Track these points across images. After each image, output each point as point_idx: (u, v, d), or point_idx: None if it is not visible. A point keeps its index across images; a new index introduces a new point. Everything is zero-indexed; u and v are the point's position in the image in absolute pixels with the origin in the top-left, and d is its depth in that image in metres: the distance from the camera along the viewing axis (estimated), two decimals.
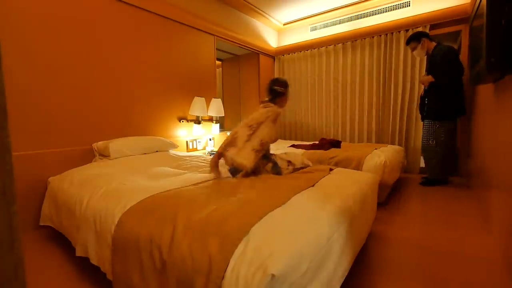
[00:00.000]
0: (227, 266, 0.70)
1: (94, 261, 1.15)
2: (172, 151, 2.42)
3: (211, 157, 1.56)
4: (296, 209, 0.95)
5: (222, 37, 3.33)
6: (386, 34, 3.45)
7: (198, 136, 3.02)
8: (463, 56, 3.08)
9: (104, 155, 1.99)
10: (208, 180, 1.44)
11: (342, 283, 0.94)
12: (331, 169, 1.57)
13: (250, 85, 4.25)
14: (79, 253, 1.23)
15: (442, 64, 2.47)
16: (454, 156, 2.78)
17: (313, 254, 0.76)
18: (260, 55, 4.13)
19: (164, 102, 2.71)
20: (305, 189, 1.18)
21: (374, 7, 3.54)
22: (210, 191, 1.23)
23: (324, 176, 1.42)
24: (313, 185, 1.26)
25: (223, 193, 1.16)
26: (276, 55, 4.47)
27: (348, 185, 1.29)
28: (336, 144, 2.88)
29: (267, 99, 1.62)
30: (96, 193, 1.30)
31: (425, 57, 2.91)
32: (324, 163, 2.30)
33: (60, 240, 1.61)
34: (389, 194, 2.33)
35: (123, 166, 1.82)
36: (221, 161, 1.49)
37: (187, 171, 1.77)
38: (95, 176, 1.59)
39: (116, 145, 1.97)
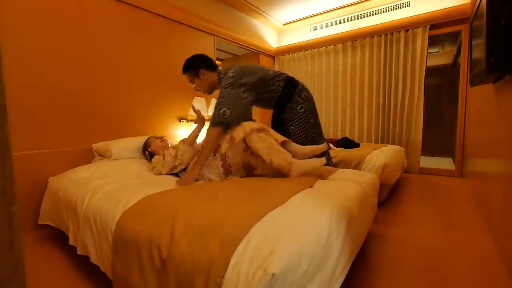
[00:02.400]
0: (228, 265, 0.70)
1: (94, 260, 1.15)
2: None
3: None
4: (295, 209, 0.95)
5: (222, 37, 3.33)
6: (386, 34, 3.45)
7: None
8: (463, 56, 3.08)
9: (105, 156, 1.98)
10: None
11: (342, 283, 0.94)
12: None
13: None
14: (80, 251, 1.23)
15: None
16: None
17: (312, 253, 0.77)
18: (260, 55, 4.13)
19: (164, 102, 2.71)
20: (304, 189, 1.18)
21: (374, 7, 3.55)
22: (208, 191, 1.23)
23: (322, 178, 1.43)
24: (311, 186, 1.26)
25: (221, 193, 1.16)
26: (276, 55, 4.47)
27: (348, 185, 1.30)
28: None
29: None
30: (97, 193, 1.30)
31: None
32: None
33: (59, 240, 1.61)
34: (389, 194, 2.33)
35: (123, 167, 1.82)
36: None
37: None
38: (95, 176, 1.59)
39: (116, 148, 1.96)
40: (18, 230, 0.30)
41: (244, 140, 1.44)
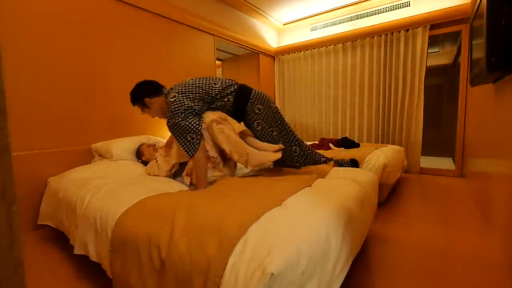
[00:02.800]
0: (226, 265, 0.71)
1: (94, 258, 1.15)
2: None
3: None
4: (293, 209, 0.95)
5: (222, 37, 3.34)
6: (386, 34, 3.45)
7: None
8: (463, 56, 3.08)
9: (105, 157, 1.98)
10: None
11: (342, 283, 0.94)
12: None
13: (250, 85, 4.23)
14: (77, 251, 1.24)
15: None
16: None
17: (311, 252, 0.77)
18: (260, 55, 4.13)
19: None
20: (302, 189, 1.18)
21: (374, 7, 3.55)
22: (206, 192, 1.23)
23: (321, 177, 1.43)
24: (310, 185, 1.26)
25: (219, 194, 1.16)
26: (276, 55, 4.47)
27: (347, 184, 1.30)
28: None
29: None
30: (97, 193, 1.30)
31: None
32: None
33: (59, 240, 1.61)
34: (389, 194, 2.33)
35: (123, 167, 1.82)
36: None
37: None
38: (95, 176, 1.59)
39: (117, 148, 1.96)
40: (18, 230, 0.30)
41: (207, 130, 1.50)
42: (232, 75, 4.47)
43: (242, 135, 1.54)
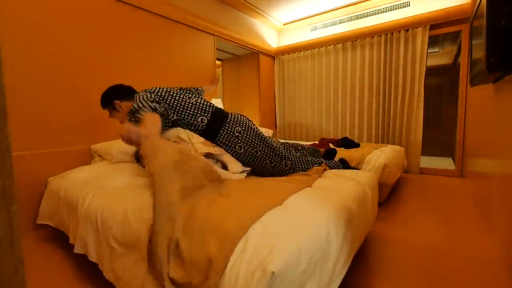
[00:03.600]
0: (227, 264, 0.71)
1: (93, 258, 1.15)
2: None
3: None
4: (294, 208, 0.96)
5: (222, 37, 3.34)
6: (386, 34, 3.45)
7: None
8: (463, 56, 3.08)
9: (105, 158, 1.97)
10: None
11: (342, 282, 0.94)
12: (324, 169, 1.58)
13: (250, 85, 4.25)
14: (77, 250, 1.24)
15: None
16: None
17: (312, 251, 0.77)
18: (260, 55, 4.13)
19: None
20: (302, 189, 1.18)
21: (374, 7, 3.55)
22: (206, 192, 1.23)
23: (320, 177, 1.43)
24: (310, 186, 1.26)
25: (219, 194, 1.16)
26: (276, 55, 4.47)
27: (347, 184, 1.30)
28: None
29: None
30: (98, 193, 1.31)
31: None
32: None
33: (59, 240, 1.61)
34: (389, 194, 2.33)
35: (124, 167, 1.81)
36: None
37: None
38: (96, 177, 1.59)
39: (117, 150, 1.93)
40: (18, 230, 0.30)
41: None
42: (232, 75, 4.48)
43: (206, 156, 1.49)
